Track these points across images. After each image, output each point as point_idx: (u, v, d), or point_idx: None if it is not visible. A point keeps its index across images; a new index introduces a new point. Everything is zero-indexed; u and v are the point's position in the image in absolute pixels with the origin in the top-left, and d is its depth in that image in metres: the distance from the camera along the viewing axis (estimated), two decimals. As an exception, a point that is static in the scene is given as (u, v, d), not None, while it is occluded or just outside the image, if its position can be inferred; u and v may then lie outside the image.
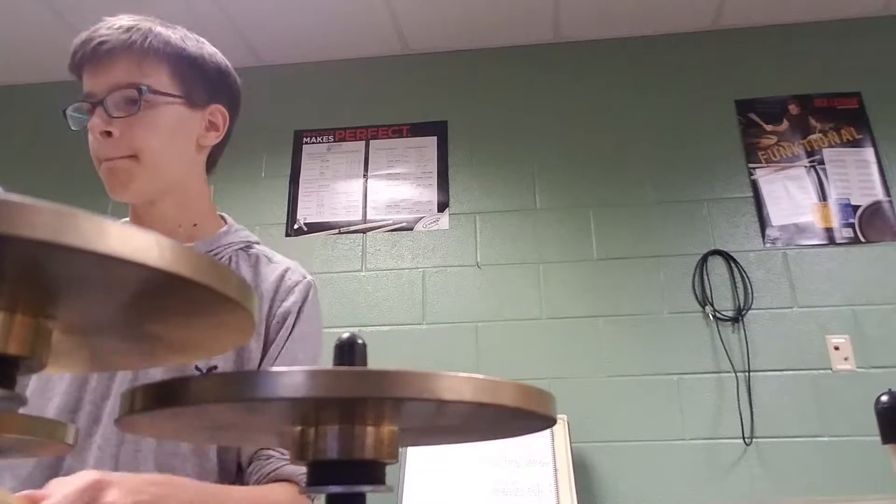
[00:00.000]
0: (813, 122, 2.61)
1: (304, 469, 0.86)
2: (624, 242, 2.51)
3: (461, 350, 2.42)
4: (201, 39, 0.99)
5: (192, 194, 1.00)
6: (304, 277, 1.01)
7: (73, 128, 0.95)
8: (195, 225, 1.00)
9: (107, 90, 0.89)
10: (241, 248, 1.02)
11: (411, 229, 2.65)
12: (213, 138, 1.00)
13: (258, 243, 1.05)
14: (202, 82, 0.97)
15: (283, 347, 0.94)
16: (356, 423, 0.30)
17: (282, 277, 0.99)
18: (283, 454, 0.90)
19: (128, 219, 1.03)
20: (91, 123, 0.89)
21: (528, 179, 2.66)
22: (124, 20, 0.92)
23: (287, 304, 0.96)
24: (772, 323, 2.34)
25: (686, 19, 2.75)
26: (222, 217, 1.07)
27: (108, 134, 0.89)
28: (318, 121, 2.87)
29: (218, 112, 1.00)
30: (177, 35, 0.95)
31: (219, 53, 1.01)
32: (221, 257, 0.98)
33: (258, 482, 0.88)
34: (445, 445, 1.51)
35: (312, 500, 0.91)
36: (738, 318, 2.36)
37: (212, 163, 1.05)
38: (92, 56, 0.90)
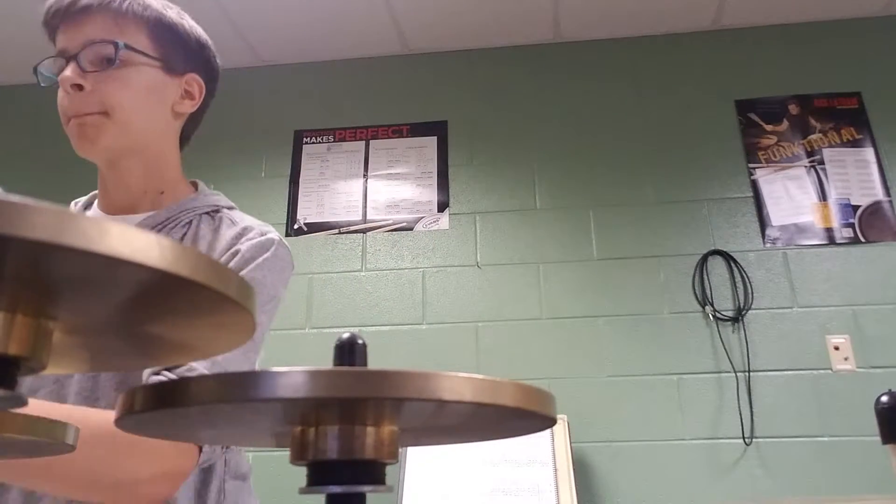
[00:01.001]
0: (813, 122, 2.61)
1: (194, 366, 0.75)
2: (624, 242, 2.51)
3: (461, 350, 2.42)
4: (183, 12, 0.98)
5: (161, 160, 0.97)
6: (265, 235, 0.94)
7: (41, 84, 0.93)
8: (162, 193, 0.97)
9: (81, 45, 0.87)
10: (206, 213, 0.97)
11: (411, 229, 2.65)
12: (189, 107, 0.98)
13: (231, 208, 1.00)
14: (181, 50, 0.95)
15: None
16: (356, 423, 0.30)
17: (239, 235, 0.93)
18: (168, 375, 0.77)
19: (95, 192, 1.01)
20: (62, 76, 0.86)
21: (528, 179, 2.66)
22: None
23: (234, 248, 0.89)
24: (772, 323, 2.35)
25: (686, 19, 2.75)
26: (195, 185, 1.03)
27: (80, 88, 0.87)
28: (318, 121, 2.87)
29: (194, 81, 0.98)
30: (158, 2, 0.94)
31: (199, 28, 1.00)
32: (180, 221, 0.94)
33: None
34: (445, 445, 1.51)
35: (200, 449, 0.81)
36: (738, 318, 2.36)
37: (185, 137, 1.02)
38: (67, 11, 0.88)
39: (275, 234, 0.96)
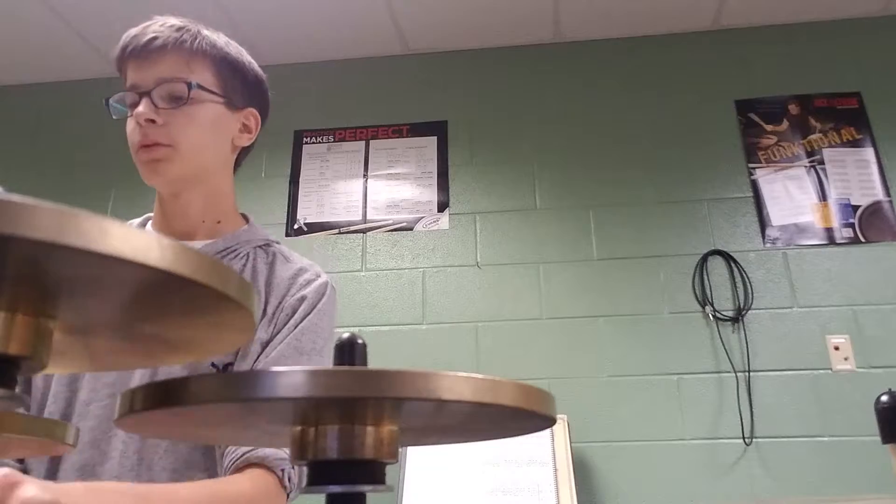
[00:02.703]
0: (813, 122, 2.61)
1: (282, 454, 0.83)
2: (624, 242, 2.51)
3: (461, 350, 2.42)
4: (241, 48, 1.03)
5: (219, 191, 1.03)
6: (320, 276, 1.01)
7: (113, 117, 0.97)
8: (219, 222, 1.03)
9: (154, 82, 0.92)
10: (259, 247, 1.03)
11: (411, 229, 2.65)
12: (246, 140, 1.05)
13: (278, 242, 1.07)
14: (241, 86, 1.01)
15: (289, 334, 0.93)
16: (356, 423, 0.30)
17: (296, 275, 0.99)
18: None
19: (150, 214, 1.06)
20: (137, 112, 0.91)
21: (528, 179, 2.66)
22: (174, 20, 0.96)
23: (298, 295, 0.97)
24: (772, 323, 2.34)
25: (686, 19, 2.75)
26: (245, 217, 1.10)
27: (152, 122, 0.92)
28: (318, 121, 2.87)
29: (252, 116, 1.05)
30: (221, 40, 1.00)
31: (255, 63, 1.05)
32: (239, 253, 1.00)
33: (230, 467, 0.84)
34: (445, 445, 1.51)
35: (288, 492, 0.85)
36: (738, 318, 2.36)
37: (237, 166, 1.09)
38: (143, 50, 0.93)
39: (325, 275, 1.03)
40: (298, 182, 2.78)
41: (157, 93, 0.92)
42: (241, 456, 0.83)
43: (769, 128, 2.62)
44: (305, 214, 2.73)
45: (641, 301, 2.42)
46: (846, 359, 2.25)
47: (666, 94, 2.72)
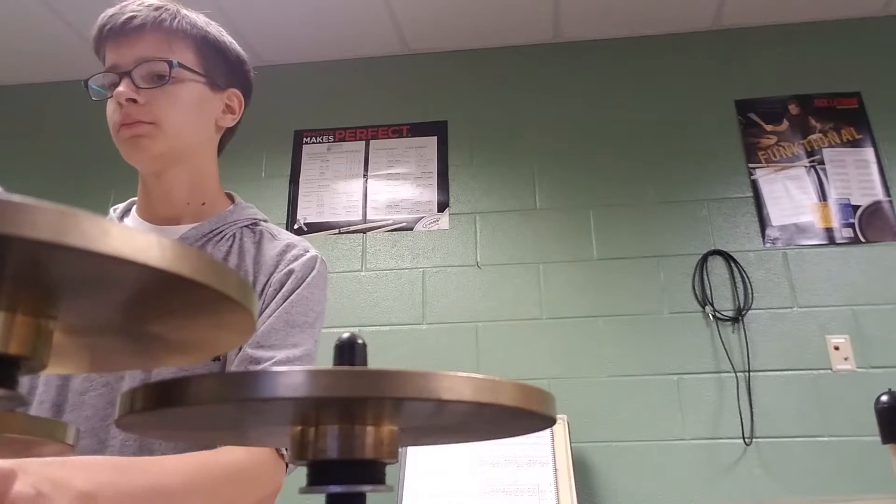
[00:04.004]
0: (813, 122, 2.61)
1: None
2: (624, 242, 2.51)
3: (461, 350, 2.42)
4: (222, 29, 1.02)
5: (203, 172, 1.02)
6: (309, 251, 1.00)
7: (93, 98, 0.96)
8: (203, 204, 1.02)
9: (134, 62, 0.91)
10: (246, 226, 1.02)
11: (411, 229, 2.65)
12: (230, 121, 1.04)
13: (265, 221, 1.05)
14: (223, 66, 1.00)
15: (278, 308, 0.91)
16: (356, 423, 0.30)
17: (284, 251, 0.98)
18: None
19: (134, 199, 1.04)
20: (117, 91, 0.90)
21: (528, 179, 2.66)
22: (154, 2, 0.94)
23: (286, 269, 0.95)
24: (772, 323, 2.34)
25: (686, 19, 2.75)
26: (230, 196, 1.08)
27: (133, 102, 0.91)
28: (318, 121, 2.87)
29: (234, 96, 1.03)
30: (201, 19, 0.98)
31: (237, 44, 1.04)
32: (225, 234, 0.99)
33: None
34: (445, 445, 1.51)
35: (287, 463, 0.85)
36: (738, 318, 2.36)
37: (220, 147, 1.08)
38: (121, 30, 0.91)
39: (314, 250, 1.01)
40: (298, 182, 2.78)
41: (137, 72, 0.91)
42: None
43: (769, 128, 2.62)
44: (305, 214, 2.73)
45: (641, 301, 2.42)
46: (846, 359, 2.26)
47: (666, 94, 2.72)
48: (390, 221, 2.68)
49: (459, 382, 0.26)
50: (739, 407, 2.23)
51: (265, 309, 0.92)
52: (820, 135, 2.58)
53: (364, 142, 2.83)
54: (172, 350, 0.30)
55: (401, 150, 2.79)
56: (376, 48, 2.92)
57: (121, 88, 0.90)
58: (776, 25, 2.77)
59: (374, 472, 0.30)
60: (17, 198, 0.18)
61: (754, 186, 2.54)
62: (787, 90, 2.66)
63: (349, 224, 2.69)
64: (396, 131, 2.83)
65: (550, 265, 2.51)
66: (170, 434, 0.34)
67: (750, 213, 2.50)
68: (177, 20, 0.94)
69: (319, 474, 0.30)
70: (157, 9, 0.93)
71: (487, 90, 2.84)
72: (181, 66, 0.93)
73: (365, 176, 2.77)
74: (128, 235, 0.20)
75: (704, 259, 2.45)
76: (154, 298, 0.23)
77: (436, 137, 2.79)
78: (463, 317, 2.47)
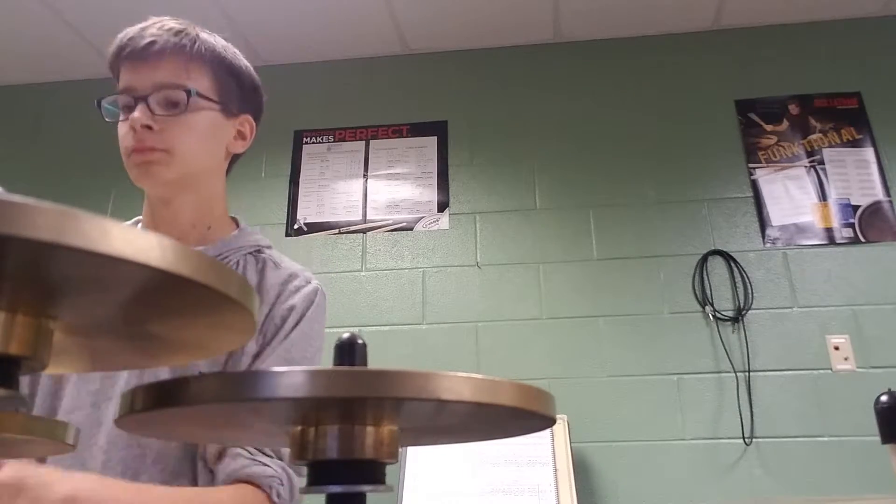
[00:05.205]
0: (813, 122, 2.61)
1: (272, 471, 0.86)
2: (624, 242, 2.51)
3: (461, 350, 2.42)
4: (238, 52, 1.01)
5: (211, 198, 1.02)
6: (310, 283, 1.01)
7: (106, 119, 0.95)
8: (209, 228, 1.02)
9: (152, 88, 0.91)
10: (250, 253, 1.02)
11: (411, 229, 2.65)
12: (240, 147, 1.04)
13: (269, 247, 1.06)
14: (238, 92, 1.00)
15: (279, 346, 0.93)
16: (356, 423, 0.30)
17: (286, 281, 0.98)
18: (251, 454, 0.85)
19: (140, 217, 1.04)
20: (133, 117, 0.89)
21: (528, 179, 2.66)
22: (172, 23, 0.94)
23: (287, 304, 0.96)
24: (772, 323, 2.34)
25: (686, 19, 2.75)
26: (235, 220, 1.08)
27: (148, 128, 0.90)
28: (318, 121, 2.87)
29: (247, 122, 1.03)
30: (220, 44, 0.98)
31: (252, 68, 1.04)
32: (230, 261, 0.99)
33: (223, 483, 0.84)
34: (445, 445, 1.51)
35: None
36: (738, 318, 2.36)
37: (228, 171, 1.08)
38: (141, 53, 0.91)
39: (315, 280, 1.02)
40: (298, 182, 2.78)
41: (154, 98, 0.90)
42: (232, 472, 0.84)
43: (769, 128, 2.62)
44: (305, 214, 2.73)
45: (641, 301, 2.42)
46: (846, 359, 2.25)
47: (666, 94, 2.72)
48: (390, 221, 2.68)
49: (459, 382, 0.26)
50: (739, 407, 2.23)
51: (266, 345, 0.93)
52: (820, 135, 2.58)
53: (364, 142, 2.83)
54: (173, 350, 0.30)
55: (401, 150, 2.79)
56: (376, 48, 2.92)
57: (137, 114, 0.89)
58: (776, 25, 2.77)
59: (374, 472, 0.30)
60: (17, 198, 0.18)
61: (754, 186, 2.54)
62: (787, 90, 2.66)
63: (349, 224, 2.69)
64: (396, 131, 2.83)
65: (550, 265, 2.51)
66: (170, 434, 0.34)
67: (750, 213, 2.50)
68: (196, 45, 0.93)
69: (319, 474, 0.30)
70: (178, 33, 0.92)
71: (487, 90, 2.84)
72: (198, 94, 0.93)
73: (365, 176, 2.77)
74: (128, 235, 0.20)
75: (704, 259, 2.45)
76: (154, 298, 0.24)
77: (436, 137, 2.79)
78: (463, 317, 2.47)
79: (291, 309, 0.95)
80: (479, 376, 0.27)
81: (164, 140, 0.91)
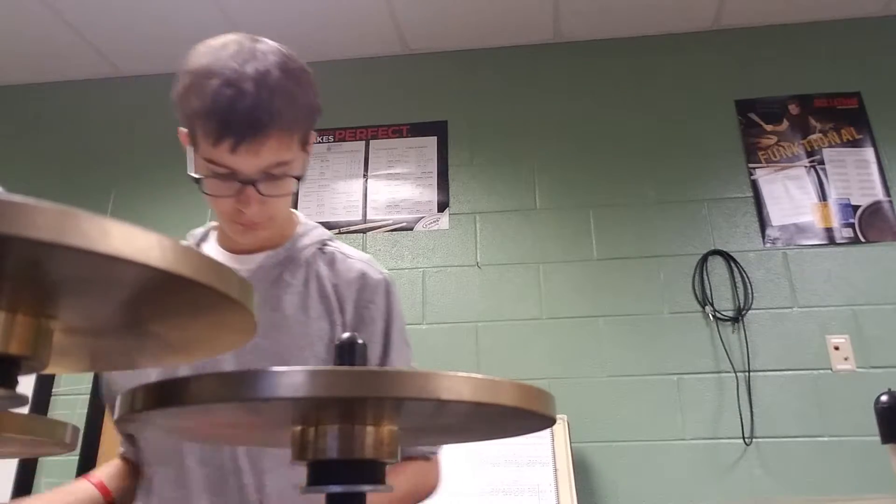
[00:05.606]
0: (813, 122, 2.61)
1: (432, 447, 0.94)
2: (624, 242, 2.51)
3: (461, 350, 2.42)
4: (306, 70, 0.94)
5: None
6: (381, 274, 1.05)
7: (207, 192, 0.91)
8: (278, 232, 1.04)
9: (259, 174, 0.88)
10: (317, 248, 1.04)
11: (411, 229, 2.65)
12: (307, 166, 1.03)
13: (331, 240, 1.08)
14: (313, 128, 0.99)
15: (391, 350, 1.02)
16: (356, 423, 0.30)
17: (362, 276, 1.02)
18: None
19: (213, 224, 1.08)
20: (244, 200, 0.89)
21: (528, 179, 2.66)
22: (256, 66, 0.86)
23: (374, 305, 1.02)
24: (772, 323, 2.34)
25: (686, 19, 2.75)
26: (294, 214, 1.08)
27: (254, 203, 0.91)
28: (318, 121, 2.87)
29: (312, 146, 1.02)
30: (302, 86, 0.92)
31: (314, 80, 0.98)
32: (299, 262, 1.01)
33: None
34: (445, 445, 1.51)
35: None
36: (738, 318, 2.36)
37: None
38: (244, 134, 0.85)
39: (384, 270, 1.07)
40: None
41: (261, 184, 0.89)
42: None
43: (769, 128, 2.62)
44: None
45: (641, 301, 2.42)
46: (846, 359, 2.25)
47: (666, 94, 2.72)
48: (390, 221, 2.68)
49: (459, 382, 0.26)
50: (739, 407, 2.23)
51: (388, 350, 1.03)
52: (820, 135, 2.58)
53: (364, 142, 2.83)
54: (173, 350, 0.30)
55: (401, 150, 2.79)
56: (376, 48, 2.92)
57: (253, 208, 0.89)
58: (776, 25, 2.77)
59: (374, 471, 0.30)
60: (17, 198, 0.18)
61: (754, 186, 2.54)
62: (787, 90, 2.66)
63: (349, 224, 2.69)
64: (396, 131, 2.83)
65: (550, 265, 2.51)
66: (170, 434, 0.34)
67: (750, 213, 2.50)
68: (292, 114, 0.88)
69: (319, 474, 0.30)
70: (272, 91, 0.85)
71: (487, 90, 2.84)
72: (300, 176, 0.94)
73: (365, 176, 2.77)
74: (128, 235, 0.20)
75: (704, 259, 2.44)
76: (154, 298, 0.23)
77: (436, 137, 2.79)
78: (463, 317, 2.47)
79: (389, 311, 1.04)
80: (479, 376, 0.27)
81: (268, 211, 0.93)
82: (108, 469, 1.06)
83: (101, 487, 1.01)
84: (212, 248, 1.05)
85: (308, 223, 1.08)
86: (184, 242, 1.06)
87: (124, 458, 1.07)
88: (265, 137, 0.86)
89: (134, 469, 1.04)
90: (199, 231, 1.09)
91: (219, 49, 0.88)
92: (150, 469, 0.97)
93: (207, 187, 0.90)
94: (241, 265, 1.00)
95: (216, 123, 0.84)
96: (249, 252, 1.01)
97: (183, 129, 0.92)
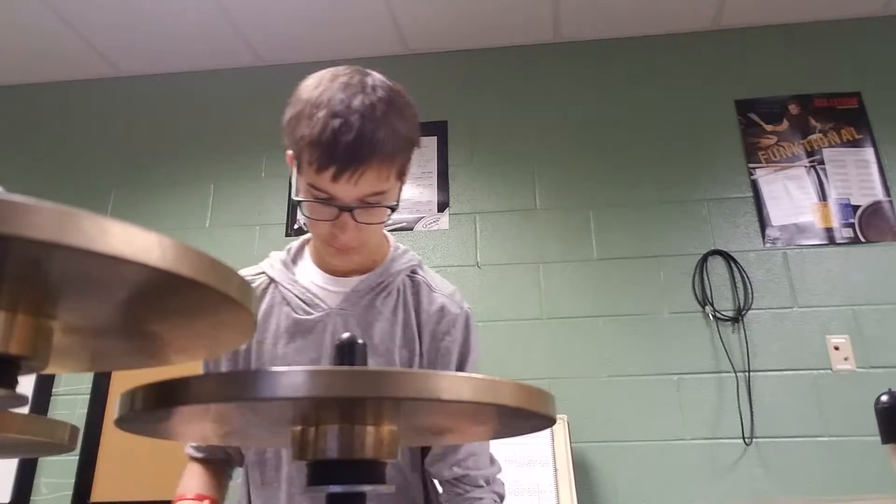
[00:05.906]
0: (813, 122, 2.61)
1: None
2: (624, 242, 2.51)
3: (461, 350, 2.42)
4: (411, 105, 1.01)
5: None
6: (462, 308, 1.08)
7: (307, 215, 0.97)
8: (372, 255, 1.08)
9: (355, 200, 0.93)
10: (407, 275, 1.09)
11: (411, 229, 2.65)
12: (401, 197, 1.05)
13: (420, 267, 1.12)
14: (410, 160, 1.02)
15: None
16: (356, 423, 0.30)
17: (442, 309, 1.05)
18: (466, 491, 0.97)
19: (307, 237, 1.10)
20: (340, 227, 0.94)
21: (528, 179, 2.66)
22: (364, 99, 0.92)
23: (451, 338, 1.04)
24: (772, 323, 2.34)
25: (686, 19, 2.75)
26: (386, 237, 1.12)
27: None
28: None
29: (407, 176, 1.06)
30: (405, 121, 0.96)
31: (416, 111, 1.03)
32: (391, 289, 1.05)
33: None
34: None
35: None
36: (738, 318, 2.36)
37: None
38: (346, 164, 0.89)
39: (465, 303, 1.10)
40: (298, 182, 2.78)
41: (358, 211, 0.93)
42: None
43: (769, 128, 2.62)
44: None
45: (641, 301, 2.42)
46: (846, 359, 2.25)
47: (666, 95, 2.72)
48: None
49: (459, 382, 0.26)
50: (739, 407, 2.23)
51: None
52: (820, 135, 2.58)
53: (364, 142, 2.82)
54: (173, 350, 0.30)
55: (401, 150, 2.79)
56: (376, 48, 2.92)
57: (348, 235, 0.94)
58: (776, 25, 2.77)
59: (374, 471, 0.30)
60: (17, 198, 0.18)
61: (754, 186, 2.54)
62: (787, 90, 2.66)
63: (349, 224, 2.69)
64: (396, 131, 2.83)
65: (550, 265, 2.51)
66: (170, 434, 0.34)
67: (750, 213, 2.50)
68: (391, 144, 0.92)
69: (319, 474, 0.30)
70: (375, 124, 0.90)
71: (487, 90, 2.84)
72: (395, 206, 0.98)
73: (365, 176, 2.77)
74: (128, 235, 0.20)
75: (704, 259, 2.44)
76: (154, 298, 0.23)
77: (436, 137, 2.79)
78: (463, 317, 2.47)
79: (466, 342, 1.06)
80: (479, 376, 0.27)
81: (361, 237, 0.97)
82: (194, 479, 1.07)
83: (201, 497, 1.04)
84: (308, 267, 1.08)
85: (399, 247, 1.12)
86: (278, 254, 1.09)
87: (196, 458, 1.10)
88: (365, 168, 0.90)
89: (212, 466, 1.08)
90: (294, 245, 1.13)
91: (329, 80, 0.97)
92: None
93: (307, 210, 0.96)
94: (338, 287, 1.05)
95: (321, 152, 0.89)
96: (344, 274, 1.05)
97: (289, 153, 0.98)
